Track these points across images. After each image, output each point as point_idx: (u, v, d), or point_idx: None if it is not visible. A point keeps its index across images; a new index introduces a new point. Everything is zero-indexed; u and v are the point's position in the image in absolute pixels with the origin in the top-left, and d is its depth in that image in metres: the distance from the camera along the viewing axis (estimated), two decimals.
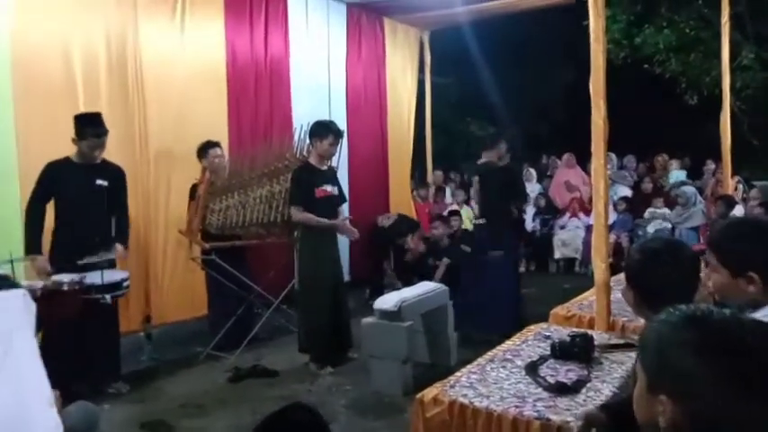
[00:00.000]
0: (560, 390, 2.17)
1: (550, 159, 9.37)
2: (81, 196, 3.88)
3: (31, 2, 4.13)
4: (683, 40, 10.11)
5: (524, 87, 12.98)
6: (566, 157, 8.43)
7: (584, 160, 7.34)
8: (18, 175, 4.02)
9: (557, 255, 7.83)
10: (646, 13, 10.28)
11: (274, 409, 1.28)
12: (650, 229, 7.35)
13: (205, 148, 4.78)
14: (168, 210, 4.94)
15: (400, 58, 7.72)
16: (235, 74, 5.53)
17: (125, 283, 3.82)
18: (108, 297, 3.66)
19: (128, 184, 4.22)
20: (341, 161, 5.34)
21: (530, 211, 8.00)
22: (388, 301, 3.99)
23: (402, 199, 7.64)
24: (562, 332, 2.82)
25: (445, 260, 6.32)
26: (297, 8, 6.19)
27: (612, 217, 7.38)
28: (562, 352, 2.48)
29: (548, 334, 2.83)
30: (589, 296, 3.45)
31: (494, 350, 2.69)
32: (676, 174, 8.29)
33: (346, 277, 5.22)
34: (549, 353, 2.53)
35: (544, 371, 2.38)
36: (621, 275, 2.03)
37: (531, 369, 2.37)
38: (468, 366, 2.51)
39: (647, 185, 8.04)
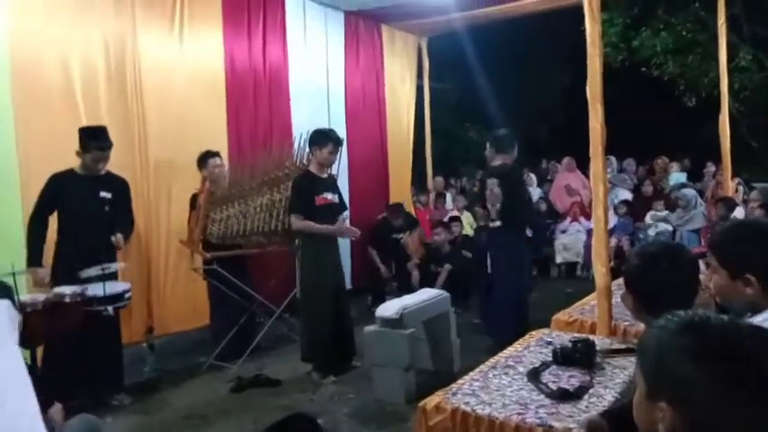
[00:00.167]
0: (563, 396, 2.17)
1: (550, 164, 9.37)
2: (84, 208, 3.89)
3: (29, 10, 4.15)
4: (681, 43, 10.15)
5: (523, 91, 13.03)
6: (565, 161, 8.43)
7: (584, 164, 7.32)
8: (19, 185, 4.02)
9: (558, 259, 7.82)
10: (643, 17, 10.32)
11: (277, 419, 1.28)
12: (651, 231, 7.35)
13: (204, 158, 4.79)
14: (169, 220, 4.94)
15: (398, 64, 7.74)
16: (234, 82, 5.55)
17: (127, 295, 3.82)
18: (110, 309, 3.66)
19: (131, 196, 4.24)
20: (341, 168, 5.35)
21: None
22: (389, 308, 3.99)
23: None
24: (564, 338, 2.81)
25: (447, 266, 6.33)
26: (295, 16, 6.21)
27: (613, 220, 7.38)
28: (564, 358, 2.48)
29: (549, 340, 2.83)
30: (591, 301, 3.44)
31: (496, 357, 2.69)
32: (676, 176, 8.29)
33: (348, 285, 5.22)
34: (551, 359, 2.53)
35: (546, 377, 2.38)
36: (623, 279, 2.03)
37: (534, 375, 2.37)
38: (471, 373, 2.51)
39: (648, 188, 8.04)
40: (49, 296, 3.32)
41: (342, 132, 5.47)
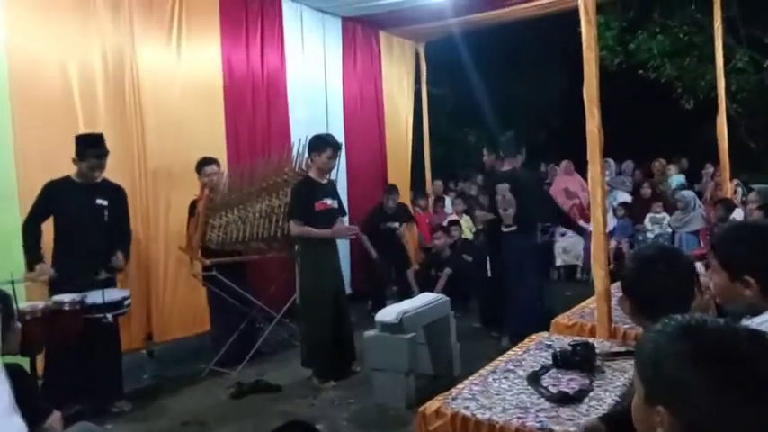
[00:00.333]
0: (563, 400, 2.17)
1: (549, 167, 9.38)
2: (81, 215, 3.89)
3: (27, 21, 4.17)
4: (677, 45, 10.18)
5: (521, 95, 13.06)
6: (564, 164, 8.44)
7: (582, 167, 7.33)
8: (18, 195, 4.03)
9: (558, 262, 7.82)
10: (639, 20, 10.35)
11: (277, 425, 1.28)
12: (650, 234, 7.36)
13: (201, 165, 4.79)
14: (168, 227, 4.95)
15: (396, 70, 7.77)
16: (232, 89, 5.56)
17: (126, 302, 3.82)
18: (109, 316, 3.66)
19: (128, 203, 4.23)
20: (339, 173, 5.36)
21: None
22: (389, 313, 3.98)
23: None
24: (564, 341, 2.81)
25: (447, 270, 6.33)
26: (292, 23, 6.24)
27: (612, 223, 7.39)
28: (564, 361, 2.48)
29: (549, 343, 2.82)
30: (590, 304, 3.44)
31: (496, 361, 2.69)
32: (676, 178, 8.31)
33: (348, 290, 5.21)
34: (550, 362, 2.52)
35: (546, 381, 2.37)
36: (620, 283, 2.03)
37: (534, 379, 2.36)
38: (471, 378, 2.50)
39: (646, 191, 8.04)
40: (48, 304, 3.32)
41: (340, 138, 5.49)
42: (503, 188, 4.99)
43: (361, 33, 7.16)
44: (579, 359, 2.45)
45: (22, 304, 3.15)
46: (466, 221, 7.54)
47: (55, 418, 2.24)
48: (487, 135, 10.80)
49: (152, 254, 4.87)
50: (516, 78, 13.05)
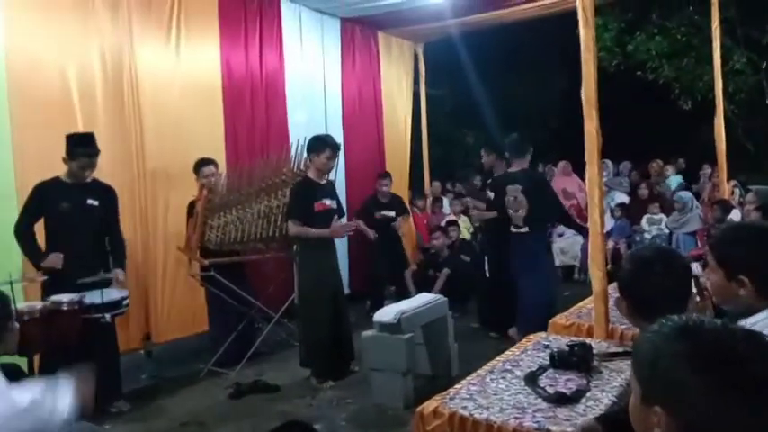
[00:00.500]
0: (560, 400, 2.17)
1: (547, 167, 9.40)
2: (73, 216, 3.85)
3: (25, 20, 4.16)
4: (675, 47, 10.21)
5: (519, 96, 13.07)
6: (561, 164, 8.45)
7: (580, 167, 7.35)
8: (17, 197, 4.01)
9: (556, 262, 7.82)
10: (637, 21, 10.38)
11: (274, 426, 1.29)
12: (648, 234, 7.37)
13: (199, 166, 4.79)
14: (167, 227, 4.94)
15: (395, 70, 7.77)
16: (230, 90, 5.56)
17: (125, 302, 3.82)
18: (108, 316, 3.66)
19: (119, 203, 4.20)
20: (338, 174, 5.36)
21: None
22: (387, 313, 3.99)
23: None
24: (561, 341, 2.82)
25: (445, 271, 6.34)
26: (291, 24, 6.24)
27: (610, 224, 7.41)
28: (561, 362, 2.48)
29: (547, 343, 2.83)
30: (588, 304, 3.45)
31: (493, 361, 2.69)
32: (675, 179, 8.32)
33: (346, 290, 5.22)
34: (548, 363, 2.53)
35: (543, 381, 2.38)
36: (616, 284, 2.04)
37: (531, 379, 2.37)
38: (468, 378, 2.51)
39: (644, 191, 8.06)
40: (46, 304, 3.32)
41: (339, 139, 5.48)
42: (514, 189, 4.97)
43: (359, 34, 7.16)
44: (576, 359, 2.46)
45: (21, 304, 3.15)
46: (464, 222, 7.55)
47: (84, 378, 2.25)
48: (486, 136, 10.81)
49: (150, 254, 4.87)
50: (515, 79, 13.06)
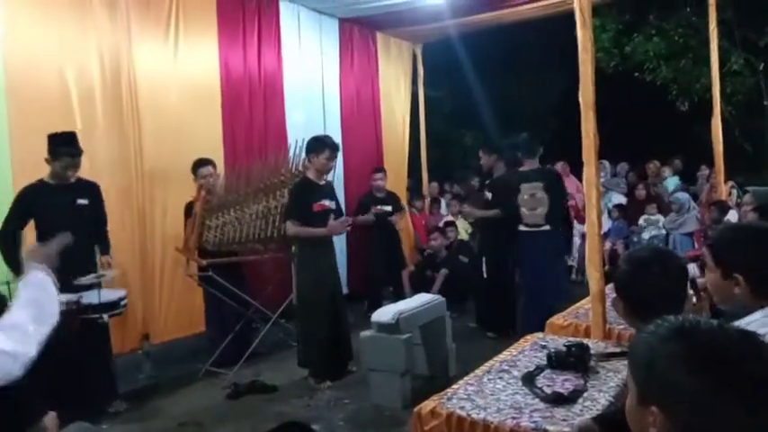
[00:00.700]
0: (557, 400, 2.18)
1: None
2: (63, 217, 3.76)
3: (23, 20, 4.16)
4: (673, 48, 10.23)
5: (517, 97, 13.06)
6: (559, 165, 8.44)
7: (578, 168, 7.35)
8: (14, 196, 4.00)
9: None
10: (635, 22, 10.40)
11: (272, 426, 1.29)
12: (645, 235, 7.38)
13: (196, 167, 4.78)
14: (165, 227, 4.94)
15: (393, 71, 7.78)
16: (229, 90, 5.56)
17: (122, 302, 3.82)
18: (105, 317, 3.65)
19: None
20: (336, 174, 5.36)
21: None
22: (385, 313, 4.00)
23: None
24: (558, 342, 2.82)
25: (443, 271, 6.35)
26: (289, 24, 6.24)
27: (607, 224, 7.42)
28: (558, 362, 2.49)
29: (544, 344, 2.84)
30: (585, 305, 3.46)
31: (491, 361, 2.70)
32: (672, 180, 8.33)
33: (344, 291, 5.22)
34: (545, 363, 2.53)
35: (541, 381, 2.39)
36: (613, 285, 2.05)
37: (528, 380, 2.37)
38: (466, 378, 2.51)
39: (641, 192, 8.07)
40: None
41: (337, 139, 5.48)
42: (530, 187, 4.94)
43: (358, 34, 7.17)
44: (574, 360, 2.46)
45: None
46: (462, 223, 7.56)
47: (50, 418, 2.24)
48: (484, 137, 10.82)
49: (148, 255, 4.86)
50: (513, 80, 13.06)
